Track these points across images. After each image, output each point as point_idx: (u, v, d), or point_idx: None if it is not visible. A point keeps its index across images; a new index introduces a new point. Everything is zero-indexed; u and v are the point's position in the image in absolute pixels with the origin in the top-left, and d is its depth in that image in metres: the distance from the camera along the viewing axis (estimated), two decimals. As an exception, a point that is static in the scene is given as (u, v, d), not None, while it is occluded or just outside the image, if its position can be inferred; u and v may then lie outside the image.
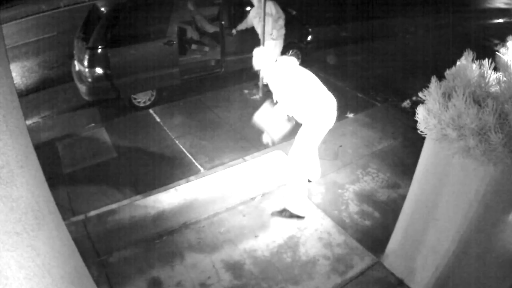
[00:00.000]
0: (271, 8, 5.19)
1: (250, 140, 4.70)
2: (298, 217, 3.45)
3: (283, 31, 5.47)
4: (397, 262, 2.91)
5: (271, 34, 5.28)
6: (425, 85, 2.30)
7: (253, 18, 5.46)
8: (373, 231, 3.37)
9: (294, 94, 3.15)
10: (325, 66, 6.85)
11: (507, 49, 2.36)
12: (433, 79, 2.24)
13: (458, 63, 2.29)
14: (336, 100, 3.22)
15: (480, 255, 2.40)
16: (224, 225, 3.42)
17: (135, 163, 4.29)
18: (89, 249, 3.03)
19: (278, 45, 5.53)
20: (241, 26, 5.68)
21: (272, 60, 3.33)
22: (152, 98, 5.53)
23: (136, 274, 2.95)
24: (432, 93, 2.21)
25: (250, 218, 3.49)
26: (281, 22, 5.36)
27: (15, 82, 6.29)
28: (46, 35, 8.86)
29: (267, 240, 3.26)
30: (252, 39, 5.61)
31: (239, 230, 3.36)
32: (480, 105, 2.03)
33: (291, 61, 3.29)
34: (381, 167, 4.19)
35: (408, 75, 6.55)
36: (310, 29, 6.60)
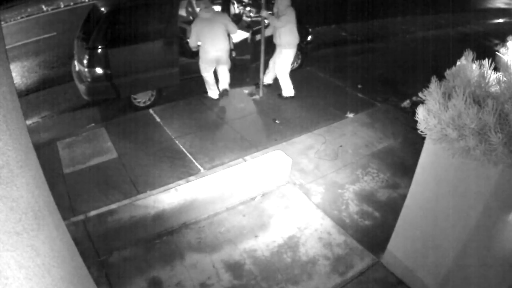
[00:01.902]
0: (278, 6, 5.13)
1: (250, 140, 4.70)
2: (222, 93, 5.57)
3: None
4: (397, 262, 2.91)
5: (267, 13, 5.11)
6: (425, 85, 2.30)
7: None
8: (373, 231, 3.37)
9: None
10: (325, 66, 6.84)
11: (507, 49, 2.36)
12: (433, 79, 2.24)
13: (458, 63, 2.29)
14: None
15: (480, 255, 2.40)
16: (224, 225, 3.42)
17: (135, 163, 4.29)
18: (89, 249, 3.03)
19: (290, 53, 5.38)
20: (267, 32, 5.42)
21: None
22: (152, 98, 5.53)
23: (136, 274, 2.95)
24: (432, 93, 2.21)
25: (250, 218, 3.49)
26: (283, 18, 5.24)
27: (15, 82, 6.29)
28: (46, 35, 8.86)
29: (267, 240, 3.26)
30: (251, 39, 5.61)
31: (239, 230, 3.36)
32: (480, 105, 2.03)
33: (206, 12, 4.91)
34: (381, 167, 4.19)
35: (408, 75, 6.55)
36: (310, 29, 6.59)
